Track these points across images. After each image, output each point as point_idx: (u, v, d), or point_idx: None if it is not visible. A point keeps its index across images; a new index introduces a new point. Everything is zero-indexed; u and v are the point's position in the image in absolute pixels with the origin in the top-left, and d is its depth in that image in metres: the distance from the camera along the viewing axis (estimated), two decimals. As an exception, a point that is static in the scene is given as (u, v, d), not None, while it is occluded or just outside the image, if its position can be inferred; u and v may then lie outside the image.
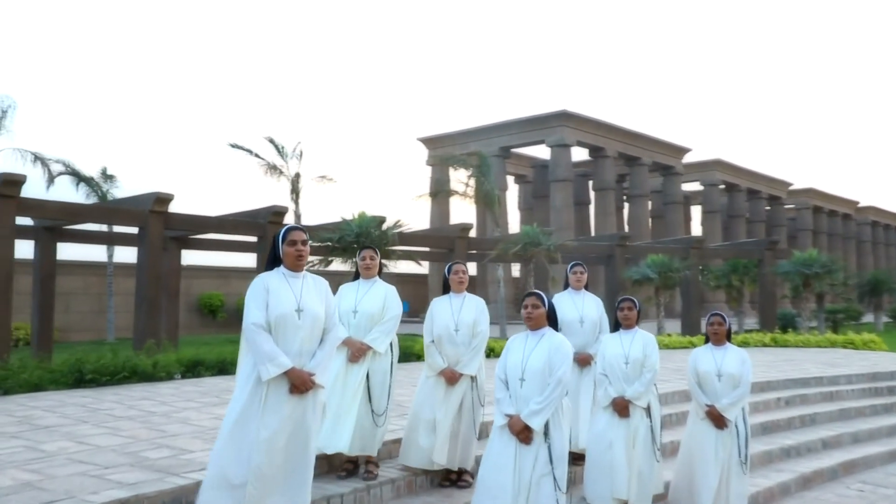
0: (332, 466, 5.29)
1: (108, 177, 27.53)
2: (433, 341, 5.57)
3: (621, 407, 5.53)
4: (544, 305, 4.57)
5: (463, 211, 42.75)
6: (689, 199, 48.98)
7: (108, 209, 12.93)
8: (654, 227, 43.55)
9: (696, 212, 50.42)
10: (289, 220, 19.33)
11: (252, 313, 3.98)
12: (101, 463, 4.81)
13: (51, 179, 22.80)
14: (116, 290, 25.36)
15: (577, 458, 6.21)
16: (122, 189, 27.79)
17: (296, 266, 4.16)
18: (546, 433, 4.35)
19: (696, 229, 49.03)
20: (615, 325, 5.90)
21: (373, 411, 5.15)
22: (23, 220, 14.94)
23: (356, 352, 5.14)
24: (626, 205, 43.04)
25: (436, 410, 5.40)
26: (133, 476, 4.48)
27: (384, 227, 14.19)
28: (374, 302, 5.31)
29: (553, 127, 35.37)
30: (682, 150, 42.58)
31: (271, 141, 26.63)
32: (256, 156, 26.18)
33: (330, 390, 5.11)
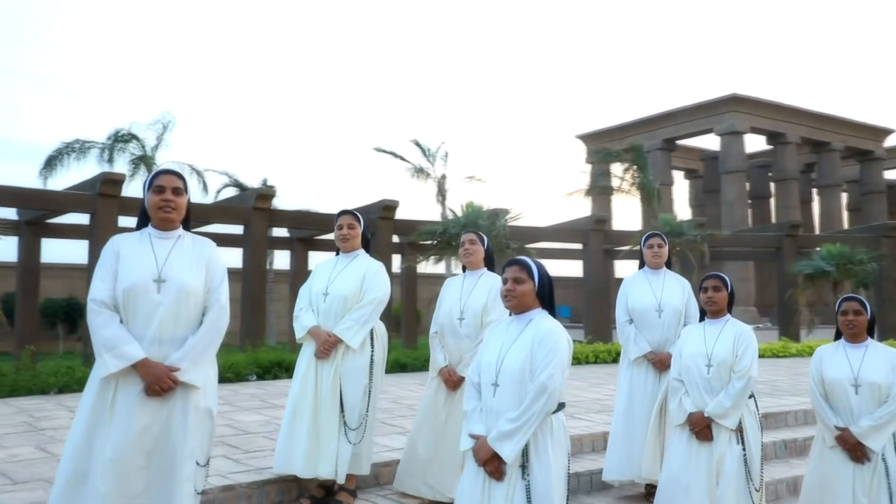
0: (305, 491, 4.14)
1: (268, 188, 28.62)
2: (437, 332, 4.29)
3: (700, 426, 3.93)
4: (532, 279, 3.10)
5: (627, 209, 40.25)
6: (896, 188, 42.84)
7: (212, 208, 12.81)
8: (852, 221, 38.41)
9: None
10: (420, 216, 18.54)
11: (94, 287, 2.94)
12: (19, 477, 4.06)
13: (205, 189, 23.77)
14: (277, 296, 25.99)
15: (650, 494, 4.65)
16: (280, 199, 28.63)
17: (163, 223, 3.07)
18: (524, 465, 2.91)
19: (905, 222, 42.67)
20: (703, 316, 4.28)
21: (345, 424, 3.93)
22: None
23: (322, 345, 3.97)
24: (818, 198, 38.26)
25: (437, 422, 4.12)
26: (21, 496, 3.66)
27: (504, 218, 12.90)
28: (349, 282, 4.10)
29: (722, 113, 32.16)
30: (884, 132, 37.25)
31: (417, 143, 26.27)
32: (402, 159, 26.01)
33: (298, 396, 3.99)
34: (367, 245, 4.36)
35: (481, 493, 2.93)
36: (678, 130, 34.42)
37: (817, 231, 33.97)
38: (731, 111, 31.95)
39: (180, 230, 3.12)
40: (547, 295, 3.13)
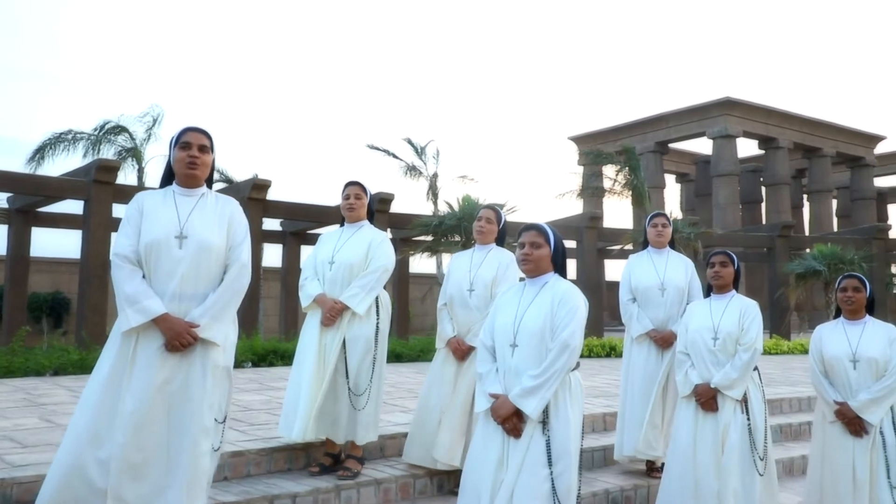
0: (314, 459, 4.16)
1: (262, 181, 28.53)
2: (446, 304, 4.34)
3: (706, 397, 3.99)
4: (549, 244, 3.17)
5: (619, 211, 40.41)
6: (886, 196, 43.13)
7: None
8: (842, 226, 38.64)
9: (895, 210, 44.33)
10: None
11: (117, 242, 2.97)
12: (28, 442, 4.09)
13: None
14: (266, 293, 25.91)
15: (652, 470, 4.70)
16: (270, 194, 28.46)
17: (188, 180, 3.09)
18: (545, 421, 2.96)
19: None
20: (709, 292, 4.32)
21: (350, 390, 3.96)
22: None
23: (328, 311, 4.01)
24: (809, 203, 38.48)
25: (444, 392, 4.16)
26: (32, 457, 3.66)
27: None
28: (355, 250, 4.14)
29: (715, 117, 32.30)
30: (875, 139, 37.53)
31: (409, 142, 26.18)
32: (394, 156, 25.96)
33: (303, 363, 4.02)
34: (371, 217, 4.39)
35: (501, 451, 2.97)
36: (670, 133, 34.54)
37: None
38: (723, 115, 32.09)
39: (204, 188, 3.14)
40: (560, 260, 3.20)
